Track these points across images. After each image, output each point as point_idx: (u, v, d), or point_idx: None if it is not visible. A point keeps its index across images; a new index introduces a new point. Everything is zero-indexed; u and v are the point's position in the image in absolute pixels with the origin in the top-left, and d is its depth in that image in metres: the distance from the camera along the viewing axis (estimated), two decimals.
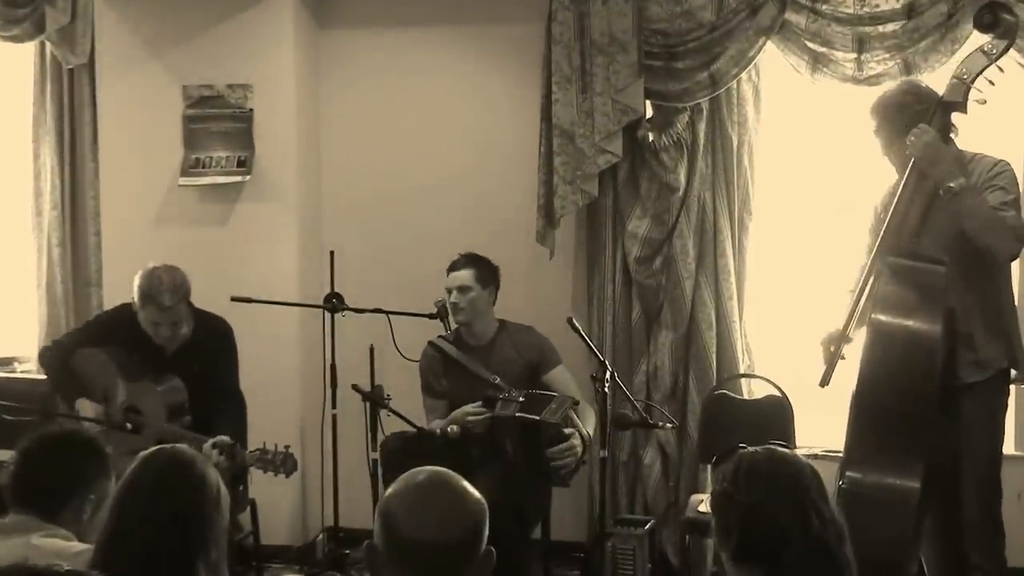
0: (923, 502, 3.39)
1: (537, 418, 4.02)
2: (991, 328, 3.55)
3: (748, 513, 2.01)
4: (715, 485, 2.11)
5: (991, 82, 3.50)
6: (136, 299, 4.13)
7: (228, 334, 4.35)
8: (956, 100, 3.50)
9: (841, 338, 3.65)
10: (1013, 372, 3.63)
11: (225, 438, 3.93)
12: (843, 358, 3.66)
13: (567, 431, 4.06)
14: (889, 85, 4.09)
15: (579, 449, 4.07)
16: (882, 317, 3.42)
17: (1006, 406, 3.66)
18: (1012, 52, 4.18)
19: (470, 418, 4.12)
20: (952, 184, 3.41)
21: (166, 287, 4.07)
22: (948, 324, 3.44)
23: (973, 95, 3.50)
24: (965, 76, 3.49)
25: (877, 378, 3.38)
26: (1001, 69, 3.50)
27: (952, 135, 3.57)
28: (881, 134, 3.68)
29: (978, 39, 3.61)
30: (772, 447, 2.13)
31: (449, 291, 4.31)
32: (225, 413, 4.21)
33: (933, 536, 3.63)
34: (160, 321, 4.13)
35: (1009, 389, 3.65)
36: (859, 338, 3.62)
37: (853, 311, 3.63)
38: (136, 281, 4.12)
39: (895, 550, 3.21)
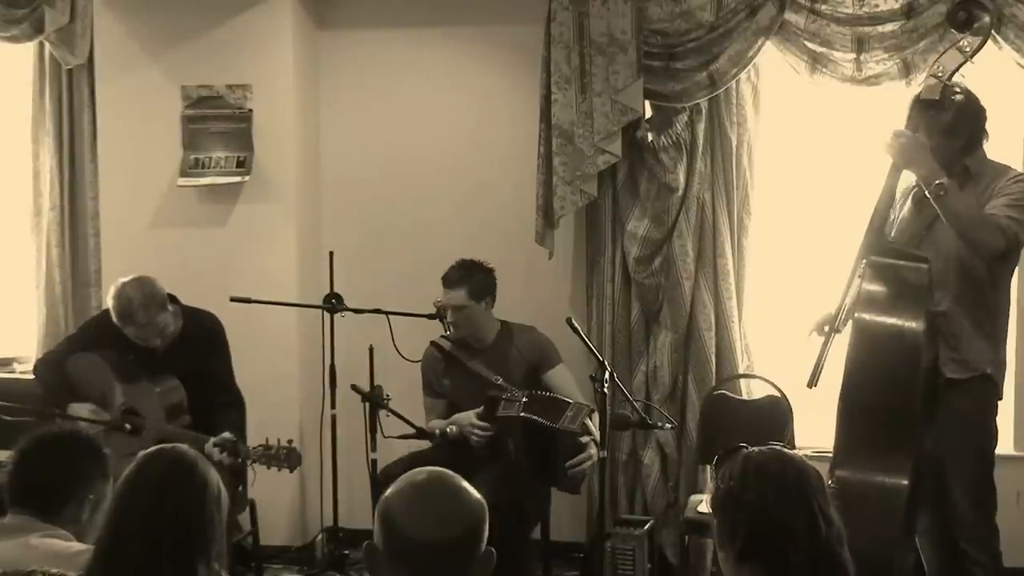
0: (915, 499, 3.39)
1: (556, 425, 4.00)
2: (978, 331, 3.54)
3: (757, 511, 2.01)
4: (717, 484, 2.10)
5: (963, 76, 3.51)
6: (115, 318, 4.09)
7: (216, 329, 4.32)
8: (933, 98, 3.50)
9: (827, 338, 3.63)
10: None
11: (228, 435, 3.94)
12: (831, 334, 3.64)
13: (584, 440, 4.05)
14: (888, 85, 4.09)
15: (595, 458, 4.05)
16: (866, 316, 3.41)
17: (995, 406, 3.64)
18: (1011, 52, 4.21)
19: (474, 436, 4.10)
20: (939, 182, 3.41)
21: (137, 304, 4.02)
22: (935, 325, 3.44)
23: (950, 92, 3.50)
24: (941, 74, 3.50)
25: (862, 377, 3.37)
26: (972, 63, 3.51)
27: (984, 140, 3.57)
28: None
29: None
30: (775, 447, 2.13)
31: (445, 308, 4.28)
32: (224, 410, 4.20)
33: (929, 532, 3.64)
34: (144, 336, 4.11)
35: (999, 393, 3.64)
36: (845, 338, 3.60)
37: (838, 311, 3.62)
38: (109, 301, 4.09)
39: (885, 549, 3.21)
